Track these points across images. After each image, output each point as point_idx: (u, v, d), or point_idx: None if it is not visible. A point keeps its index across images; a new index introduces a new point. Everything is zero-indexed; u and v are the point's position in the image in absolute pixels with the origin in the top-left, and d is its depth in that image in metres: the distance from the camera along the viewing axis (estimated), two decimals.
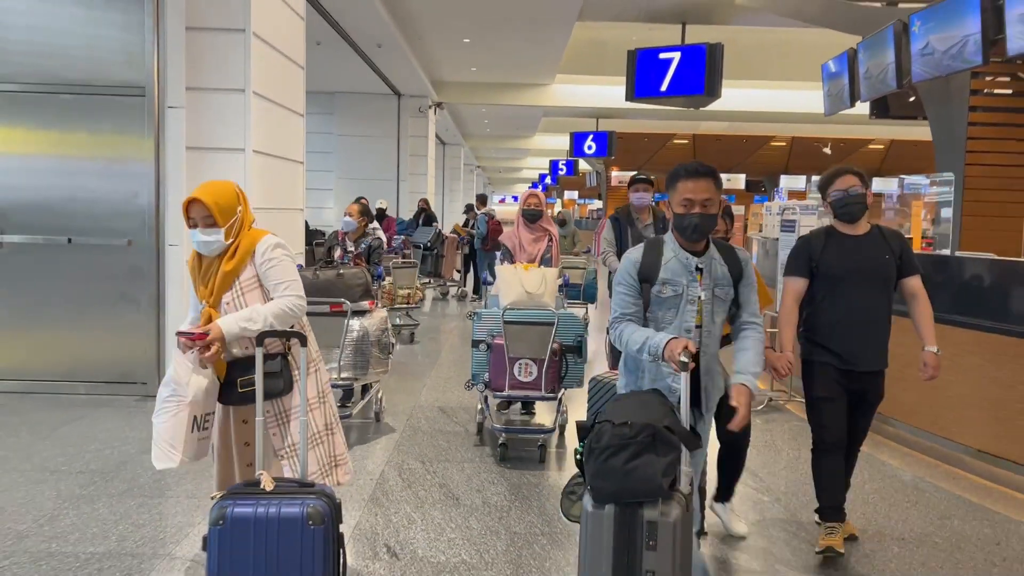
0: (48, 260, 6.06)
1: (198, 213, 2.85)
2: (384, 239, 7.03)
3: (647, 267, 2.82)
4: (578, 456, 2.53)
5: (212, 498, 2.61)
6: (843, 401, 3.57)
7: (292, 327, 2.90)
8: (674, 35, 11.87)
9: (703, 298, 2.78)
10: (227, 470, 3.03)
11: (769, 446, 5.30)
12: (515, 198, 55.35)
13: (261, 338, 2.73)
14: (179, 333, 2.79)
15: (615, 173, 28.26)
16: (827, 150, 26.47)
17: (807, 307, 3.63)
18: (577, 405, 5.43)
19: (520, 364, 4.85)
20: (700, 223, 2.74)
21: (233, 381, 2.86)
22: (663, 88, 11.30)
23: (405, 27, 12.29)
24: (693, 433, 2.64)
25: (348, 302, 5.06)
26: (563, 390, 5.07)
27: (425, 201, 15.68)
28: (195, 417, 2.83)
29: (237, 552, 2.49)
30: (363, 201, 8.22)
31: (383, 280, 7.80)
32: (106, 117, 5.99)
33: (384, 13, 10.89)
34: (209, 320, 2.81)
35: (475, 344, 5.04)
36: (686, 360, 2.54)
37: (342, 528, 2.70)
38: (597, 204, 32.17)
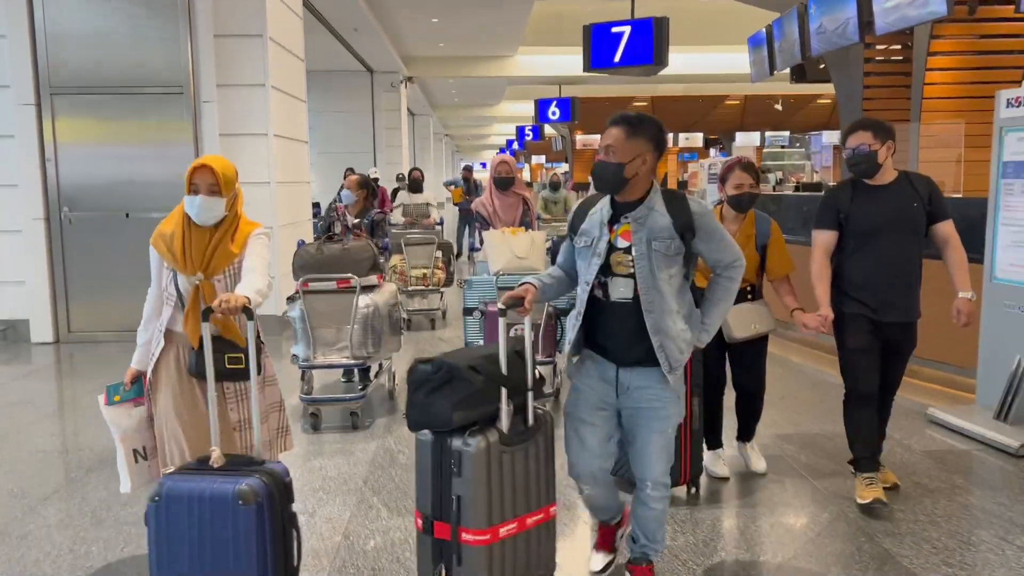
0: (110, 232, 7.36)
1: (203, 180, 2.84)
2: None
3: (577, 218, 2.76)
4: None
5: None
6: (876, 352, 3.55)
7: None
8: (624, 9, 13.19)
9: (633, 253, 2.57)
10: (200, 442, 2.90)
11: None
12: (483, 164, 56.27)
13: (207, 313, 2.62)
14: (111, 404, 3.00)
15: (579, 137, 29.53)
16: (778, 106, 27.87)
17: (836, 259, 3.61)
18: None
19: (518, 327, 5.00)
20: (596, 169, 2.59)
21: (216, 354, 2.72)
22: (616, 59, 12.54)
23: (378, 10, 13.46)
24: (538, 379, 2.66)
25: (356, 277, 4.83)
26: (559, 353, 4.93)
27: (419, 172, 14.02)
28: (134, 451, 2.97)
29: (173, 529, 2.42)
30: (358, 173, 7.49)
31: (390, 253, 7.31)
32: (152, 111, 7.28)
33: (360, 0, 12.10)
34: (196, 294, 2.86)
35: (467, 312, 5.00)
36: (502, 306, 2.55)
37: (299, 508, 2.66)
38: (564, 167, 33.46)
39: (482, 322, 4.85)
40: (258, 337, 2.86)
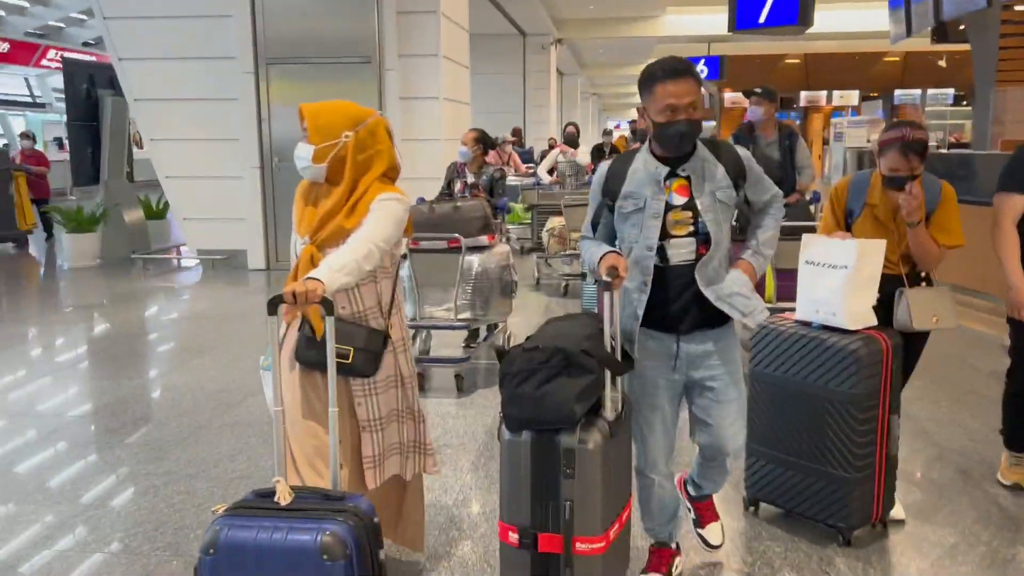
0: None
1: (302, 122, 2.45)
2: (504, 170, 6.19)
3: (613, 180, 2.45)
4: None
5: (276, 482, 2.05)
6: None
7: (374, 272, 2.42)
8: None
9: (699, 207, 2.34)
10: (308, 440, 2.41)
11: None
12: (631, 122, 56.11)
13: (274, 305, 2.12)
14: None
15: (728, 95, 29.40)
16: (942, 63, 26.72)
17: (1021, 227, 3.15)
18: None
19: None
20: (688, 131, 2.30)
21: (313, 340, 2.36)
22: (761, 20, 12.92)
23: None
24: (626, 357, 2.36)
25: (463, 237, 4.69)
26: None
27: (575, 126, 11.59)
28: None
29: None
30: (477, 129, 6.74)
31: (507, 213, 6.91)
32: (345, 78, 8.67)
33: None
34: (310, 261, 2.34)
35: (583, 276, 4.63)
36: (608, 279, 2.25)
37: (386, 555, 2.08)
38: (711, 124, 33.34)
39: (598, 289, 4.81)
40: (383, 337, 2.46)
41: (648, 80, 2.33)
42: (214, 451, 3.92)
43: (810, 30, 13.12)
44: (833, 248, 2.83)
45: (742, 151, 2.49)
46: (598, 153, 9.94)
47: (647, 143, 2.45)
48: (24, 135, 12.64)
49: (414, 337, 4.88)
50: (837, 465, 2.82)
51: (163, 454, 3.87)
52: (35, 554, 2.95)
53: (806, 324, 2.93)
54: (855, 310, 2.80)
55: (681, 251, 2.37)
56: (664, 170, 2.39)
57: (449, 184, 5.65)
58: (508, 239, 10.06)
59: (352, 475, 2.47)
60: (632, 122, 16.49)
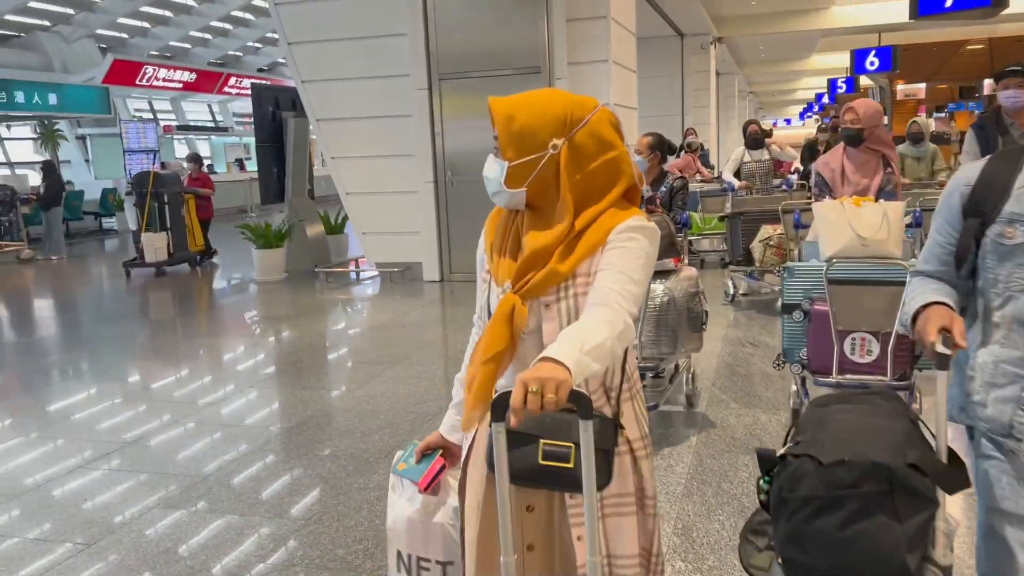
0: (483, 193, 8.90)
1: (493, 128, 1.64)
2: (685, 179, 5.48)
3: (984, 192, 1.66)
4: (761, 495, 1.68)
5: None
6: None
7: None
8: None
9: None
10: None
11: None
12: (788, 121, 53.85)
13: (499, 409, 1.37)
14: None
15: (900, 87, 27.56)
16: None
17: None
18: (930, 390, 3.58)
19: (854, 339, 3.64)
20: None
21: (527, 439, 1.50)
22: (948, 3, 11.98)
23: None
24: (952, 459, 1.61)
25: None
26: (917, 373, 3.67)
27: (757, 124, 9.16)
28: (398, 552, 1.89)
29: None
30: (654, 134, 5.87)
31: (689, 228, 6.05)
32: (515, 89, 8.44)
33: None
34: (509, 320, 1.56)
35: (786, 309, 3.93)
36: (943, 350, 1.54)
37: None
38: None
39: (806, 325, 3.80)
40: (615, 428, 1.60)
41: None
42: None
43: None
44: None
45: None
46: (809, 153, 9.23)
47: None
48: (191, 158, 12.54)
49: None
50: None
51: (371, 467, 3.92)
52: (255, 566, 3.02)
53: None
54: None
55: None
56: None
57: None
58: (703, 261, 9.51)
59: None
60: (833, 118, 14.65)
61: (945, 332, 1.55)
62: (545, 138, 1.59)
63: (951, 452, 1.62)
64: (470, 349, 1.75)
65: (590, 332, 1.43)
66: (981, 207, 1.65)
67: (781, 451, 1.63)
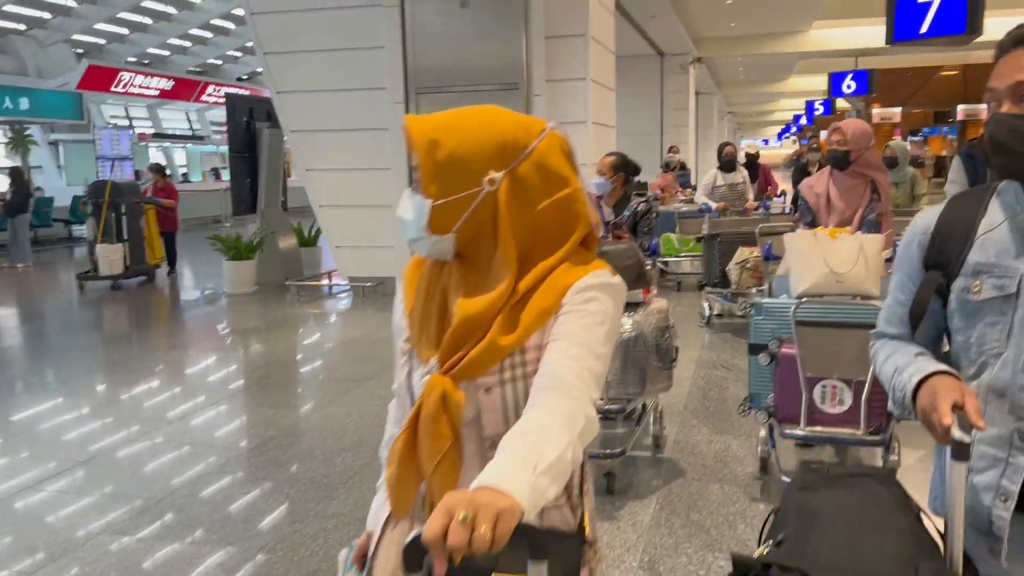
0: None
1: (409, 153, 1.30)
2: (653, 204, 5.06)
3: (944, 240, 1.42)
4: None
5: None
6: None
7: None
8: None
9: None
10: None
11: None
12: (765, 142, 54.46)
13: (412, 558, 0.97)
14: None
15: (876, 110, 27.94)
16: None
17: None
18: (917, 443, 3.64)
19: (824, 387, 3.34)
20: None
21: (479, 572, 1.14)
22: (923, 30, 12.06)
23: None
24: (967, 566, 1.31)
25: None
26: (894, 424, 3.35)
27: (732, 147, 9.13)
28: None
29: None
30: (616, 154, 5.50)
31: (657, 256, 5.80)
32: (493, 103, 8.59)
33: None
34: (442, 410, 1.25)
35: (752, 350, 3.59)
36: (959, 435, 1.20)
37: None
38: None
39: (773, 369, 3.47)
40: (580, 544, 1.33)
41: (1010, 45, 1.37)
42: None
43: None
44: None
45: None
46: (800, 173, 9.03)
47: (1007, 182, 1.39)
48: (153, 168, 12.19)
49: None
50: None
51: (330, 493, 3.79)
52: None
53: None
54: None
55: None
56: None
57: None
58: (679, 283, 8.64)
59: None
60: (811, 138, 14.25)
61: (958, 410, 1.22)
62: (479, 170, 1.24)
63: (967, 558, 1.31)
64: (390, 427, 1.48)
65: (545, 442, 1.06)
66: (942, 257, 1.42)
67: (760, 552, 1.33)
